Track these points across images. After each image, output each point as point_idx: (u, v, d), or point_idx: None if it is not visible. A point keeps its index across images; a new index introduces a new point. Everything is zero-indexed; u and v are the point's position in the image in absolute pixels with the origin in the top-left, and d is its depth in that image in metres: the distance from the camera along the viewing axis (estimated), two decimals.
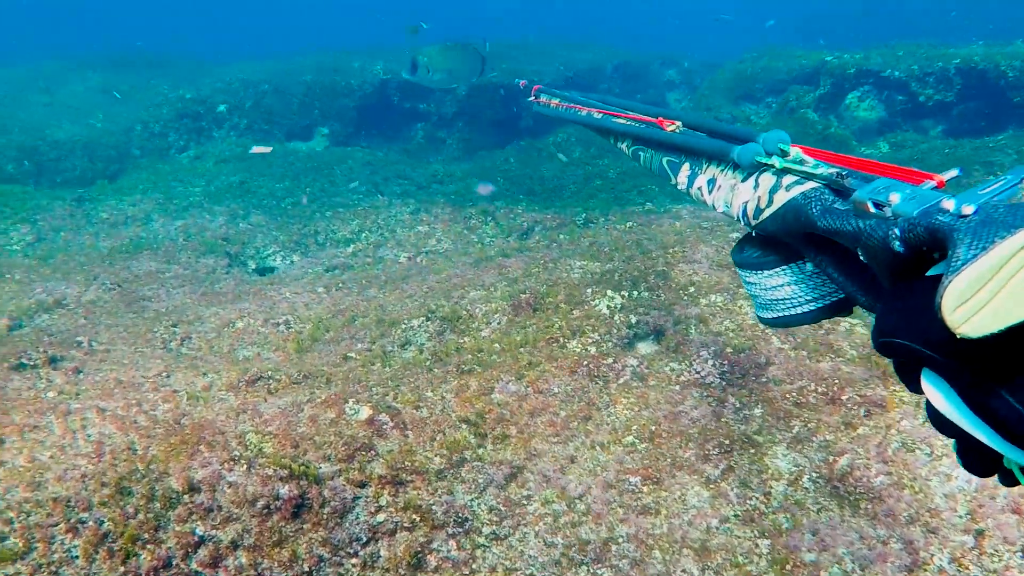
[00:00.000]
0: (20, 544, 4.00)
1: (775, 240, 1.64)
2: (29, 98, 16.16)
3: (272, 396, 5.22)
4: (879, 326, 1.17)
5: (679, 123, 2.02)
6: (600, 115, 2.42)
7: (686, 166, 1.95)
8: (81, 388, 5.31)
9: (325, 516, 4.38)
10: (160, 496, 4.29)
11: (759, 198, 1.61)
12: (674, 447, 4.99)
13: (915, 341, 1.08)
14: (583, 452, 4.98)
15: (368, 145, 14.69)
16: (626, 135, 2.25)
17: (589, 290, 6.43)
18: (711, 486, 4.75)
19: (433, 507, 4.54)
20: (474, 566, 4.36)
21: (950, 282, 0.94)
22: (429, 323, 6.42)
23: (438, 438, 4.94)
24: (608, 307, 6.21)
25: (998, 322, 0.93)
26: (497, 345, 5.95)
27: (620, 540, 4.47)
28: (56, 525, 4.10)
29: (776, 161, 1.59)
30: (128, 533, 4.10)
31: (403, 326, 6.43)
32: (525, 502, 4.70)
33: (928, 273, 1.11)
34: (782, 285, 1.64)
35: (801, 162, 1.54)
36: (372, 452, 4.74)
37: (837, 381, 5.27)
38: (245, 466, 4.50)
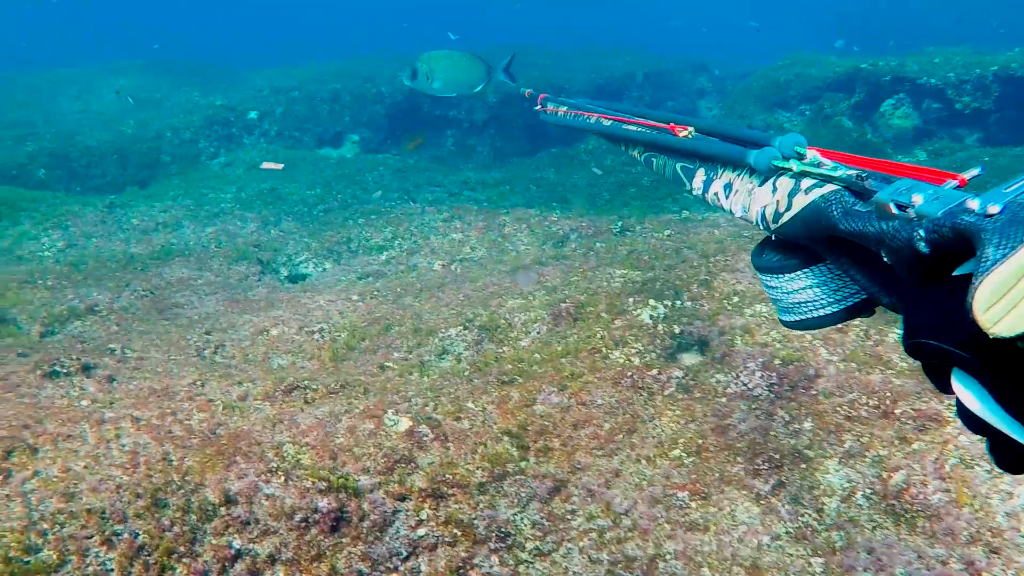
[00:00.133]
0: (54, 557, 3.90)
1: (794, 243, 1.65)
2: (60, 104, 16.22)
3: (309, 406, 5.11)
4: (908, 328, 1.20)
5: (691, 128, 2.00)
6: (610, 122, 2.41)
7: (701, 171, 1.96)
8: (115, 396, 5.22)
9: (364, 530, 4.26)
10: (196, 508, 4.19)
11: (778, 202, 1.62)
12: (722, 461, 4.84)
13: (945, 342, 1.10)
14: (628, 466, 4.84)
15: (398, 152, 14.63)
16: (637, 142, 2.26)
17: (631, 299, 6.28)
18: (761, 502, 4.60)
19: (475, 521, 4.41)
20: None
21: (981, 282, 0.94)
22: (467, 332, 6.30)
23: (480, 450, 4.81)
24: (651, 317, 6.07)
25: None
26: (538, 355, 5.82)
27: (667, 557, 4.33)
28: (91, 537, 4.00)
29: (794, 164, 1.59)
30: (164, 546, 4.00)
31: (440, 335, 6.31)
32: (569, 517, 4.56)
33: (954, 273, 1.11)
34: (804, 288, 1.64)
35: (819, 165, 1.55)
36: (412, 464, 4.62)
37: (889, 394, 5.10)
38: (283, 478, 4.39)
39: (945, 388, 1.17)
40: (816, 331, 5.65)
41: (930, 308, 1.15)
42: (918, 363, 1.22)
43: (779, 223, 1.62)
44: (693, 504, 4.60)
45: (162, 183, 12.56)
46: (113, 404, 5.09)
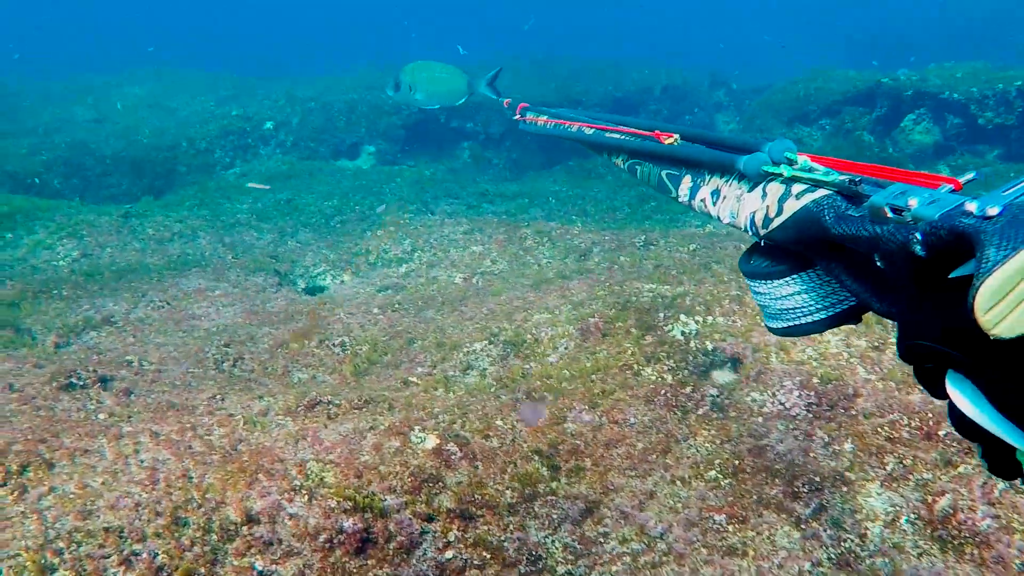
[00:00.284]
0: None
1: (783, 249, 1.64)
2: (76, 113, 16.16)
3: (332, 422, 4.95)
4: (903, 331, 1.21)
5: (677, 136, 1.99)
6: (592, 130, 2.37)
7: (687, 178, 1.95)
8: (133, 410, 5.08)
9: (391, 552, 4.10)
10: (217, 527, 4.03)
11: (768, 207, 1.61)
12: (760, 483, 4.67)
13: (942, 343, 1.11)
14: (663, 487, 4.68)
15: (415, 164, 14.51)
16: (621, 149, 2.23)
17: (661, 314, 6.12)
18: (802, 526, 4.43)
19: (504, 544, 4.25)
20: None
21: (982, 283, 0.95)
22: (492, 347, 6.14)
23: (509, 470, 4.64)
24: (682, 333, 5.90)
25: None
26: (567, 371, 5.66)
27: None
28: (108, 557, 3.84)
29: (784, 170, 1.58)
30: (183, 567, 3.84)
31: (464, 350, 6.16)
32: (602, 540, 4.40)
33: (951, 276, 1.10)
34: (792, 295, 1.63)
35: (810, 170, 1.54)
36: (440, 484, 4.46)
37: (931, 415, 4.93)
38: (306, 497, 4.23)
39: (938, 392, 1.18)
40: (851, 351, 5.49)
41: (926, 311, 1.16)
42: (911, 367, 1.23)
43: (769, 228, 1.61)
44: (730, 528, 4.43)
45: (178, 193, 12.46)
46: (131, 418, 4.95)
